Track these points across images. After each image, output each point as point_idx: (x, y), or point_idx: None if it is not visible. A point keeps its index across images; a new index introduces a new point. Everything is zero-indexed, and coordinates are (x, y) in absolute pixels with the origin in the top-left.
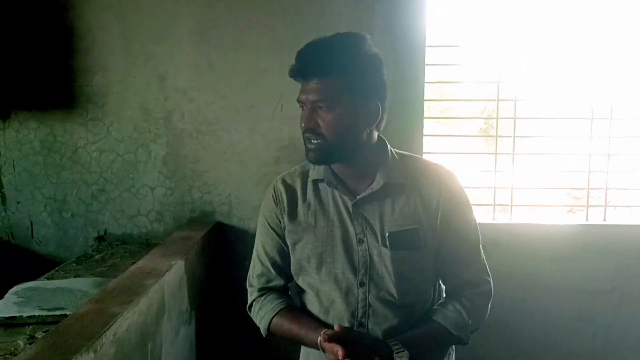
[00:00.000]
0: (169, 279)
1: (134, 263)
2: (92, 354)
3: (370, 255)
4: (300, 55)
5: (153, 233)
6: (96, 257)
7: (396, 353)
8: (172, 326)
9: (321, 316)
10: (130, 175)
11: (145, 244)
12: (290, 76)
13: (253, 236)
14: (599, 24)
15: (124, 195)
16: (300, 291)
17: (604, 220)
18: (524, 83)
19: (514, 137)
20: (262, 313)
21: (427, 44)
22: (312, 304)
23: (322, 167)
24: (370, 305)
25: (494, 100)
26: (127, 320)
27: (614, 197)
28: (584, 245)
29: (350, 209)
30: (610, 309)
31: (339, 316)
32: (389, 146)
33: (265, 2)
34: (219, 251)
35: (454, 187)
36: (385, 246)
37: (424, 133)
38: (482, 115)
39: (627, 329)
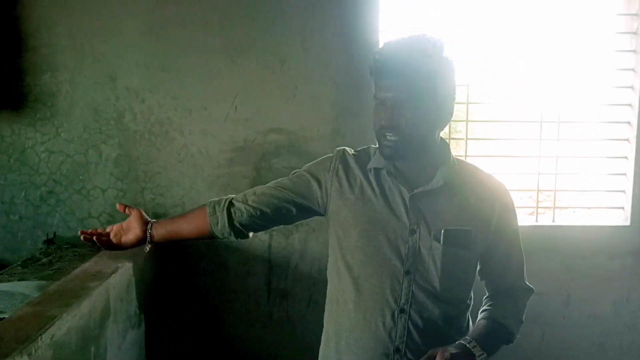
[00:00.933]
0: (115, 281)
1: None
2: (25, 357)
3: (420, 247)
4: (385, 54)
5: None
6: (43, 260)
7: (478, 357)
8: (119, 330)
9: (353, 296)
10: (81, 177)
11: (96, 247)
12: (374, 73)
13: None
14: (548, 28)
15: (74, 197)
16: (332, 269)
17: (553, 221)
18: (479, 86)
19: (466, 139)
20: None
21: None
22: (345, 288)
23: (381, 157)
24: (413, 294)
25: (464, 103)
26: (67, 323)
27: (562, 199)
28: (534, 246)
29: (407, 201)
30: (558, 308)
31: (380, 299)
32: (450, 148)
33: (216, 3)
34: (171, 254)
35: (509, 199)
36: (438, 241)
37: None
38: None
39: (574, 329)
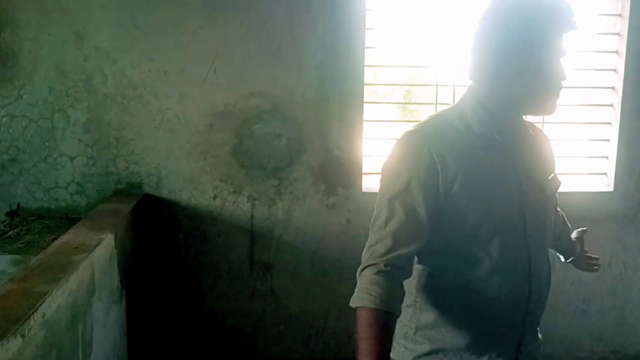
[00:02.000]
0: (99, 254)
1: (54, 239)
2: (19, 339)
3: (534, 205)
4: (568, 6)
5: (74, 207)
6: (9, 233)
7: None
8: (103, 306)
9: (498, 277)
10: (46, 144)
11: (65, 218)
12: (567, 30)
13: (185, 209)
14: None
15: (39, 165)
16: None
17: None
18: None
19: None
20: (372, 289)
21: (367, 27)
22: (478, 270)
23: (490, 119)
24: (534, 255)
25: (434, 85)
26: (57, 300)
27: None
28: None
29: (517, 161)
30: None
31: (517, 271)
32: None
33: None
34: (148, 225)
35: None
36: (542, 193)
37: (364, 118)
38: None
39: (559, 295)
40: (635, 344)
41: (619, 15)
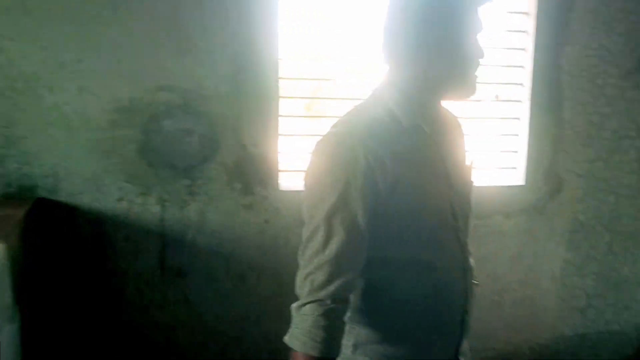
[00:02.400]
0: None
1: None
2: None
3: (461, 204)
4: None
5: None
6: None
7: None
8: None
9: (436, 279)
10: None
11: None
12: (481, 3)
13: (86, 214)
14: None
15: None
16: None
17: None
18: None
19: None
20: (318, 333)
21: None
22: (420, 276)
23: (417, 111)
24: (467, 257)
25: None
26: None
27: None
28: None
29: (444, 155)
30: None
31: (455, 274)
32: None
33: None
34: (45, 233)
35: None
36: (463, 190)
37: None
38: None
39: None
40: (545, 332)
41: (527, 13)
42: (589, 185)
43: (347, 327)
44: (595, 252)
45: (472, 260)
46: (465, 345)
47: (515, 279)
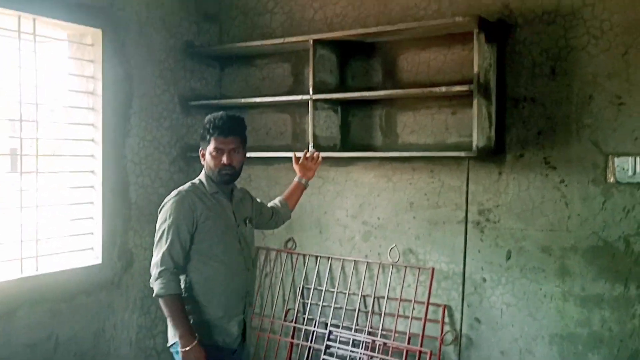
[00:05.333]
0: None
1: None
2: None
3: (242, 232)
4: (222, 121)
5: None
6: None
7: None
8: None
9: (225, 269)
10: None
11: None
12: (215, 134)
13: None
14: None
15: None
16: (202, 263)
17: (37, 270)
18: None
19: None
20: (170, 284)
21: None
22: (218, 268)
23: (214, 185)
24: (247, 259)
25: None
26: None
27: (43, 247)
28: (22, 299)
29: (232, 208)
30: (48, 357)
31: (240, 268)
32: None
33: None
34: None
35: (249, 192)
36: (246, 225)
37: None
38: None
39: None
40: None
41: (93, 109)
42: None
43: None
44: None
45: (253, 269)
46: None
47: (102, 353)
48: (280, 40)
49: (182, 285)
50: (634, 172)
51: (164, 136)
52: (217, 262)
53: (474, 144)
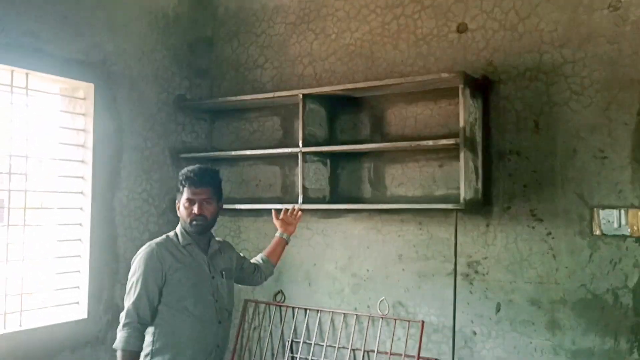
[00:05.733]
0: None
1: None
2: None
3: (217, 284)
4: (193, 173)
5: None
6: None
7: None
8: None
9: (193, 322)
10: None
11: None
12: (187, 184)
13: None
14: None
15: None
16: (170, 315)
17: (20, 325)
18: None
19: None
20: (130, 339)
21: None
22: (186, 320)
23: (188, 237)
24: (219, 311)
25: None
26: None
27: (27, 301)
28: (3, 356)
29: (207, 259)
30: None
31: (210, 321)
32: None
33: None
34: None
35: (232, 245)
36: (222, 277)
37: None
38: None
39: None
40: None
41: (83, 161)
42: None
43: (148, 350)
44: None
45: (227, 320)
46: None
47: None
48: (271, 95)
49: (150, 338)
50: (619, 225)
51: (154, 188)
52: (186, 314)
53: (462, 196)
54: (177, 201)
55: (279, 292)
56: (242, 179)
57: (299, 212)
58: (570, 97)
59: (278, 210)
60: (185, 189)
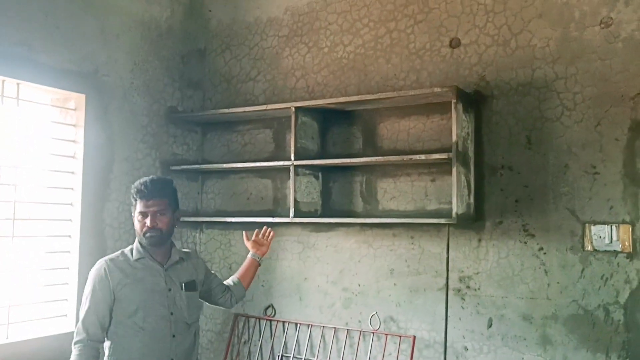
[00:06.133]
0: None
1: None
2: None
3: (174, 297)
4: (144, 185)
5: None
6: None
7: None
8: None
9: (143, 336)
10: None
11: None
12: (139, 197)
13: None
14: None
15: None
16: (123, 331)
17: (7, 338)
18: None
19: None
20: (82, 357)
21: None
22: (136, 334)
23: (143, 251)
24: (175, 325)
25: None
26: None
27: (14, 313)
28: None
29: (163, 272)
30: None
31: (162, 335)
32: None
33: None
34: None
35: (200, 257)
36: (182, 289)
37: None
38: None
39: None
40: None
41: (73, 172)
42: None
43: None
44: None
45: (186, 334)
46: None
47: None
48: (263, 107)
49: (107, 353)
50: (611, 241)
51: None
52: (136, 329)
53: (454, 211)
54: (132, 215)
55: (269, 306)
56: (233, 192)
57: (271, 233)
58: (562, 112)
59: (250, 231)
60: (138, 202)
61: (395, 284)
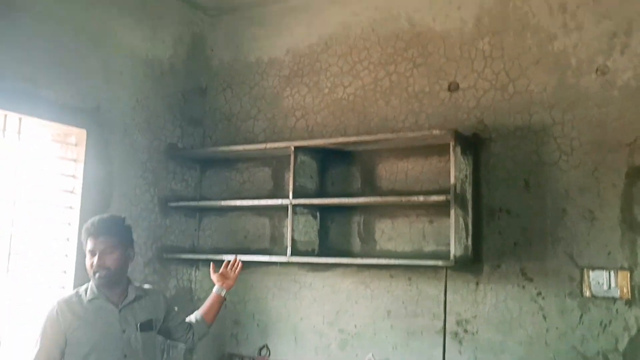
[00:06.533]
0: None
1: None
2: None
3: (129, 338)
4: (92, 223)
5: None
6: None
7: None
8: None
9: None
10: None
11: None
12: (87, 236)
13: None
14: None
15: None
16: None
17: None
18: None
19: None
20: None
21: None
22: None
23: (96, 291)
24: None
25: None
26: None
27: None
28: None
29: (117, 313)
30: None
31: None
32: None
33: None
34: None
35: (163, 295)
36: (137, 330)
37: None
38: None
39: None
40: None
41: (73, 192)
42: None
43: None
44: None
45: None
46: None
47: None
48: (263, 146)
49: None
50: (609, 287)
51: (141, 237)
52: None
53: (452, 253)
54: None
55: (264, 347)
56: (230, 230)
57: (240, 265)
58: (559, 157)
59: (218, 264)
60: (87, 241)
61: (392, 326)
